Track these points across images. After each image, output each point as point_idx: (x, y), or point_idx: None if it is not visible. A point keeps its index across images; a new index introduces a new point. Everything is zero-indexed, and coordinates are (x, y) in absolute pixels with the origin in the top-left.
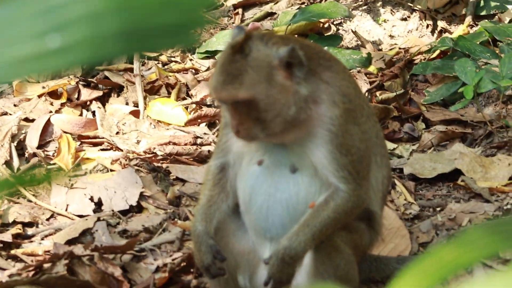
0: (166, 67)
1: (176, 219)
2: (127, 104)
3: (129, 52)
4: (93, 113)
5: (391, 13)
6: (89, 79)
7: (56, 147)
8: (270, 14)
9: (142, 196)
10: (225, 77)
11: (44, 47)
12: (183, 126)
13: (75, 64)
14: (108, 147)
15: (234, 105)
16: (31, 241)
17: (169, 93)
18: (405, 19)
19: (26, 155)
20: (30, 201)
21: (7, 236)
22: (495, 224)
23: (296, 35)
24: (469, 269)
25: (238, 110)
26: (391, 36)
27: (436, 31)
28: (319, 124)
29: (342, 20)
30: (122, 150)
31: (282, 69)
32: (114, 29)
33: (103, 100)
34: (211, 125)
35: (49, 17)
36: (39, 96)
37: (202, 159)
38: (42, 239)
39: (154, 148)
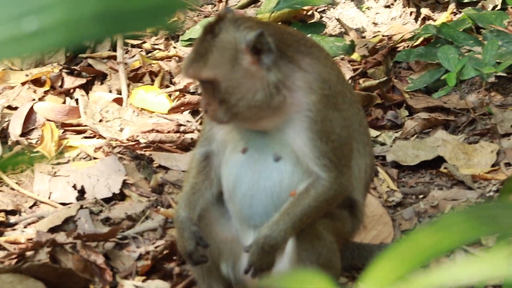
0: (149, 54)
1: (159, 207)
2: (110, 91)
3: (107, 35)
4: (76, 100)
5: (375, 0)
6: (73, 67)
7: (39, 135)
8: (254, 2)
9: (125, 183)
10: (193, 55)
11: (20, 30)
12: (166, 114)
13: (52, 47)
14: (91, 135)
15: (202, 85)
16: (14, 229)
17: (153, 80)
18: (388, 7)
19: (9, 143)
20: (13, 189)
21: None
22: (476, 210)
23: (279, 23)
24: (450, 255)
25: (206, 89)
26: (375, 24)
27: (420, 19)
28: (297, 110)
29: (326, 8)
30: (105, 138)
31: (249, 53)
32: (91, 11)
33: (86, 87)
34: (194, 113)
35: (25, 0)
36: (23, 84)
37: (185, 147)
38: (25, 227)
39: (137, 135)
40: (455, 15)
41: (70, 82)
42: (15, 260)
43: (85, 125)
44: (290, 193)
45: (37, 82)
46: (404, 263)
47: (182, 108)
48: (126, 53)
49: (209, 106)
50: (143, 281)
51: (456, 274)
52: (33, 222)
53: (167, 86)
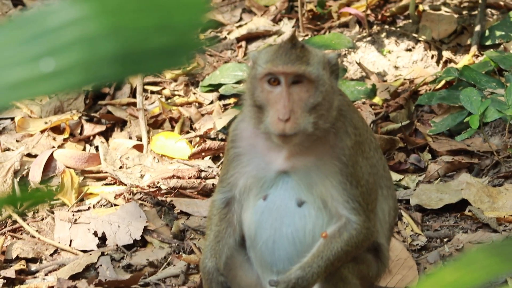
0: (169, 101)
1: (180, 253)
2: (130, 138)
3: (123, 75)
4: (96, 147)
5: (396, 44)
6: (92, 114)
7: (59, 182)
8: None
9: (146, 230)
10: (291, 55)
11: (37, 71)
12: (187, 160)
13: (69, 88)
14: (112, 182)
15: (291, 88)
16: (35, 277)
17: (173, 127)
18: (409, 50)
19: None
20: (33, 236)
21: (10, 272)
22: (497, 246)
23: None
24: None
25: (293, 94)
26: (396, 67)
27: (441, 62)
28: (330, 152)
29: (347, 52)
30: (125, 185)
31: (329, 70)
32: (109, 51)
33: (106, 134)
34: (215, 158)
35: (42, 41)
36: (42, 132)
37: (206, 193)
38: (46, 274)
39: (158, 182)
40: (477, 57)
41: (89, 129)
42: None
43: (105, 172)
44: (321, 235)
45: (57, 129)
46: None
47: (203, 153)
48: (146, 99)
49: (293, 113)
50: None
51: None
52: (54, 270)
53: (187, 132)
